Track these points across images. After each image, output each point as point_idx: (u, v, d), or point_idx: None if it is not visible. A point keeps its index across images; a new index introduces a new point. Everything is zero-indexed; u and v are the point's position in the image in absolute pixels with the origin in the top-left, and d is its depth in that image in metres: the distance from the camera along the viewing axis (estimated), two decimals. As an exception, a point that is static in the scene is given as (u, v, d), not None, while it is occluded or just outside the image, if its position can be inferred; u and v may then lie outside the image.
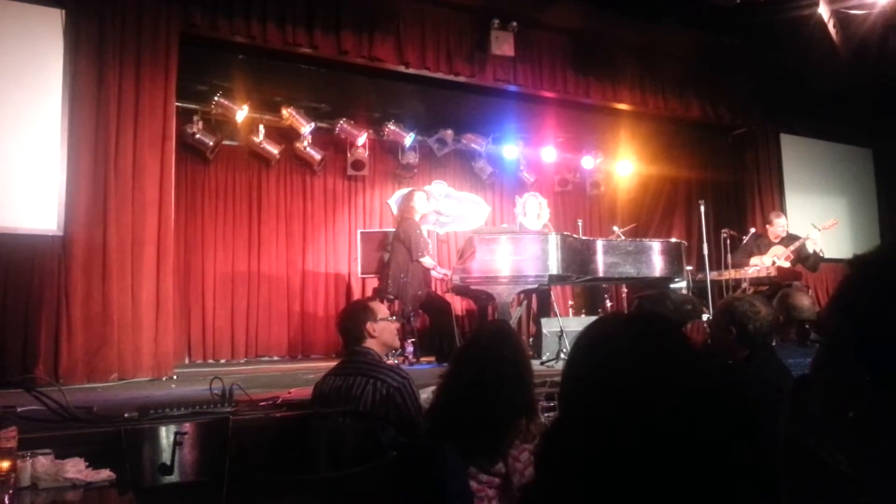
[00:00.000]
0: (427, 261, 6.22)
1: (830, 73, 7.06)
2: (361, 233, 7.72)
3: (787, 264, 6.75)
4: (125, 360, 5.12)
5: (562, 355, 5.77)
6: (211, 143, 7.60)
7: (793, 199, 8.85)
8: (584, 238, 6.26)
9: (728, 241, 7.02)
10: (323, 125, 8.23)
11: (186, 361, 7.36)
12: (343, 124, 8.22)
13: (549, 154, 9.42)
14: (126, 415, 3.06)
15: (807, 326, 3.14)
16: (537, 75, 7.29)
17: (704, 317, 5.83)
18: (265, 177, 8.19)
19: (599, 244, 6.11)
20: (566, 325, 6.07)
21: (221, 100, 7.40)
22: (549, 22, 7.27)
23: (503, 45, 6.73)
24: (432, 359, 6.41)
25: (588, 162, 9.71)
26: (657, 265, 6.19)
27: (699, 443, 0.92)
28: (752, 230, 7.41)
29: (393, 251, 6.29)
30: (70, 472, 2.27)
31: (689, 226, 9.26)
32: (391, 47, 6.51)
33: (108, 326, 5.05)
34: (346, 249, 8.45)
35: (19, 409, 3.07)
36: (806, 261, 6.86)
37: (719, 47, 8.00)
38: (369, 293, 7.68)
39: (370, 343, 3.03)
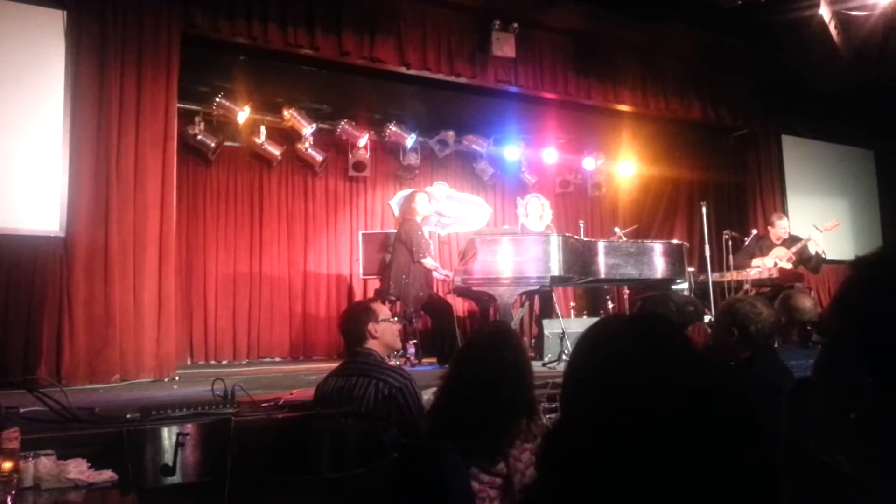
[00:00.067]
0: (429, 262, 6.22)
1: (831, 73, 7.05)
2: (363, 234, 7.73)
3: (788, 266, 6.74)
4: (127, 361, 5.12)
5: (563, 357, 5.77)
6: (212, 145, 7.61)
7: (794, 201, 8.85)
8: (585, 239, 6.26)
9: (730, 243, 7.02)
10: (324, 126, 8.23)
11: (188, 362, 7.36)
12: (344, 125, 8.22)
13: (551, 155, 9.43)
14: (128, 416, 3.07)
15: (808, 328, 3.14)
16: (538, 76, 7.29)
17: (706, 318, 5.83)
18: (267, 178, 8.20)
19: (601, 245, 6.11)
20: (568, 327, 6.07)
21: (223, 101, 7.41)
22: (550, 23, 7.27)
23: (504, 47, 6.73)
24: (434, 360, 6.42)
25: (589, 163, 9.71)
26: (659, 266, 6.19)
27: (701, 444, 0.92)
28: (754, 231, 7.41)
29: (394, 252, 6.29)
30: (72, 473, 2.27)
31: (690, 227, 9.25)
32: (392, 48, 6.51)
33: (110, 327, 5.06)
34: (347, 251, 8.46)
35: (22, 410, 3.07)
36: (808, 262, 6.85)
37: (720, 48, 8.00)
38: (371, 294, 7.68)
39: (372, 344, 3.03)
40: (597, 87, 7.64)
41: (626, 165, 9.88)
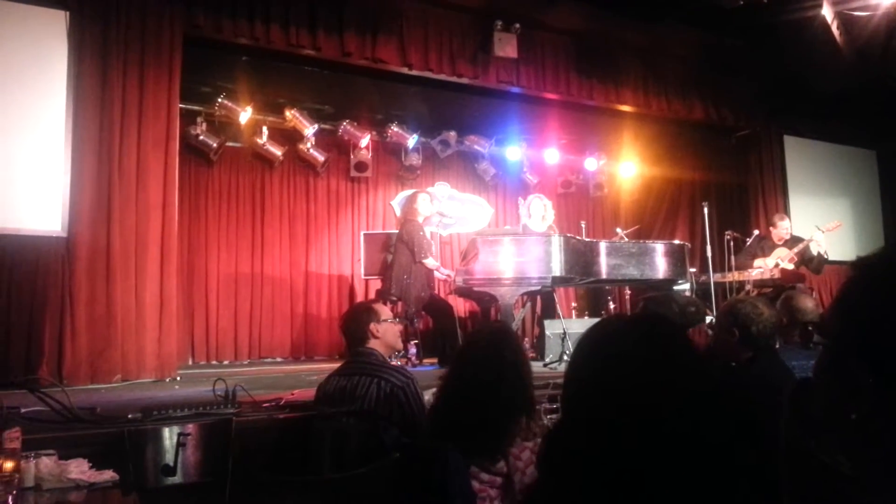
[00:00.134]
0: (430, 262, 6.22)
1: (834, 74, 7.05)
2: (365, 234, 7.73)
3: (790, 266, 6.74)
4: (129, 361, 5.12)
5: (565, 357, 5.76)
6: (214, 145, 7.61)
7: (796, 201, 8.84)
8: (587, 240, 6.25)
9: (731, 243, 7.01)
10: (326, 127, 8.24)
11: (190, 363, 7.37)
12: (346, 126, 8.22)
13: (553, 156, 9.42)
14: (129, 416, 3.07)
15: (810, 328, 3.14)
16: (540, 77, 7.30)
17: (708, 318, 5.83)
18: (268, 178, 8.20)
19: (603, 246, 6.10)
20: (569, 327, 6.07)
21: (225, 101, 7.41)
22: (551, 23, 7.27)
23: (506, 47, 6.73)
24: (435, 360, 6.41)
25: (591, 164, 9.70)
26: (660, 267, 6.18)
27: (702, 445, 0.92)
28: (756, 232, 7.40)
29: (396, 253, 6.29)
30: (73, 473, 2.27)
31: (692, 228, 9.24)
32: (394, 49, 6.52)
33: (111, 327, 5.06)
34: (349, 251, 8.46)
35: (23, 410, 3.08)
36: (809, 263, 6.84)
37: (722, 48, 8.00)
38: (372, 295, 7.68)
39: (374, 344, 3.04)
40: (599, 88, 7.63)
41: (627, 166, 9.87)
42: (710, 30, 7.73)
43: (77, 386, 4.68)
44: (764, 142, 8.91)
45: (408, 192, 8.23)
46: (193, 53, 5.85)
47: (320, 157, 8.22)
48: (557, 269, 5.55)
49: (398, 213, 8.39)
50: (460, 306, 7.90)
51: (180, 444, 2.85)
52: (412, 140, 8.54)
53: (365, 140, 8.33)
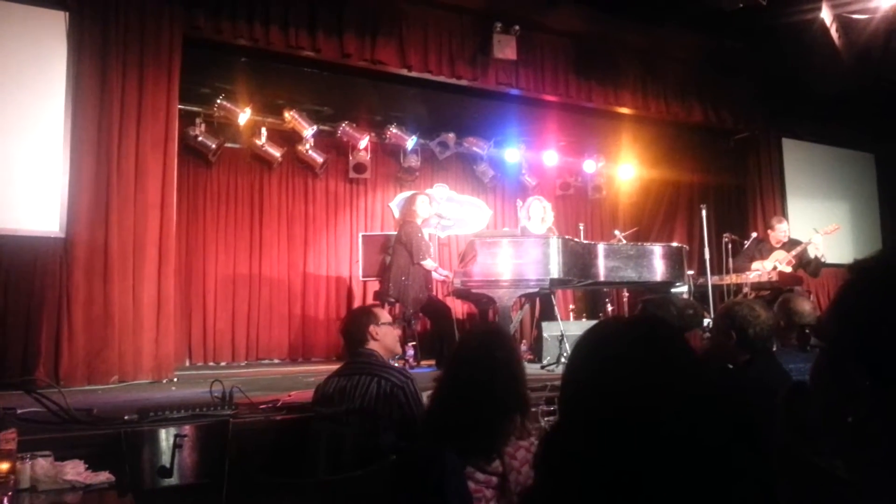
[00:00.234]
0: (428, 263, 6.22)
1: (832, 77, 7.05)
2: (363, 236, 7.72)
3: (788, 269, 6.74)
4: (126, 362, 5.12)
5: (562, 359, 5.76)
6: (213, 146, 7.61)
7: (794, 204, 8.85)
8: (585, 242, 6.26)
9: (729, 246, 7.02)
10: (325, 128, 8.24)
11: (187, 364, 7.36)
12: (345, 127, 8.22)
13: (551, 158, 9.43)
14: (126, 417, 3.07)
15: (807, 331, 3.14)
16: (539, 79, 7.30)
17: (706, 321, 5.82)
18: (267, 179, 8.20)
19: (601, 248, 6.10)
20: (567, 329, 6.06)
21: (224, 102, 7.41)
22: (551, 25, 7.28)
23: (505, 49, 6.73)
24: (433, 362, 6.41)
25: (590, 166, 9.71)
26: (658, 269, 6.18)
27: (699, 447, 0.92)
28: (754, 235, 7.40)
29: (394, 254, 6.29)
30: (69, 475, 2.27)
31: (690, 230, 9.25)
32: (393, 50, 6.52)
33: (108, 328, 5.06)
34: (347, 252, 8.46)
35: (19, 411, 3.08)
36: (807, 266, 6.84)
37: (721, 51, 8.01)
38: (370, 296, 7.67)
39: (373, 346, 3.06)
40: (598, 90, 7.64)
41: (626, 168, 9.88)
42: (709, 32, 7.74)
43: (74, 387, 4.67)
44: (762, 144, 8.92)
45: (406, 193, 8.23)
46: (193, 54, 5.84)
47: (319, 159, 8.22)
48: (555, 271, 5.55)
49: (397, 214, 8.39)
50: (458, 308, 7.90)
51: (177, 446, 2.85)
52: (411, 141, 8.55)
53: (364, 141, 8.33)
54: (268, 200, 8.17)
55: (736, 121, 8.66)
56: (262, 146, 7.88)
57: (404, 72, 6.68)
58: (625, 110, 8.00)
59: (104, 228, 5.15)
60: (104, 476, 2.35)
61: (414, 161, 8.73)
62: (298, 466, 2.85)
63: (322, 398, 2.96)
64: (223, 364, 7.55)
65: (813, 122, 9.00)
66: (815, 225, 7.02)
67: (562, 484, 1.00)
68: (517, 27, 6.79)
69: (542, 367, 5.77)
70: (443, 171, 9.20)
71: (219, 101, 7.39)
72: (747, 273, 6.80)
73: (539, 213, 6.79)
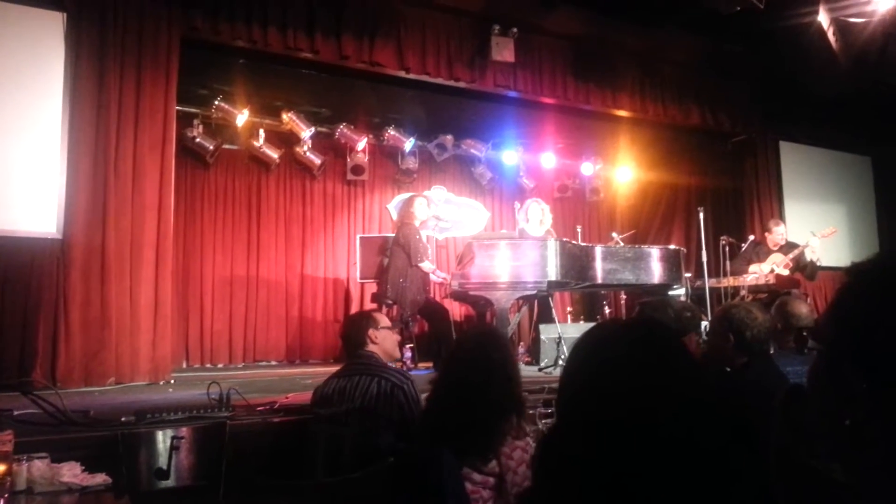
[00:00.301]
0: (426, 265, 6.21)
1: (830, 80, 7.07)
2: (361, 238, 7.71)
3: (785, 272, 6.74)
4: (123, 364, 5.11)
5: (560, 361, 5.76)
6: (211, 147, 7.61)
7: (791, 207, 8.87)
8: (582, 244, 6.26)
9: (727, 249, 7.02)
10: (323, 130, 8.24)
11: (184, 365, 7.35)
12: (343, 129, 8.23)
13: (549, 160, 9.44)
14: (123, 419, 3.06)
15: (805, 334, 3.14)
16: (537, 81, 7.31)
17: (703, 324, 5.82)
18: (265, 181, 8.19)
19: (598, 250, 6.10)
20: (564, 332, 6.06)
21: (222, 104, 7.41)
22: (549, 28, 7.29)
23: (503, 51, 6.74)
24: (430, 364, 6.40)
25: (587, 168, 9.72)
26: (656, 272, 6.19)
27: (697, 450, 0.92)
28: (751, 237, 7.41)
29: (392, 256, 6.29)
30: (66, 476, 2.26)
31: (687, 232, 9.26)
32: (392, 52, 6.52)
33: (106, 330, 5.05)
34: (345, 254, 8.45)
35: (16, 413, 3.07)
36: (804, 269, 6.85)
37: (719, 54, 8.03)
38: (368, 298, 7.68)
39: (372, 349, 3.07)
40: (595, 93, 7.65)
41: (624, 170, 9.90)
42: (707, 35, 7.75)
43: (70, 388, 4.66)
44: (760, 147, 8.93)
45: (404, 195, 8.22)
46: (191, 56, 5.84)
47: (317, 160, 8.22)
48: (553, 273, 5.55)
49: (395, 216, 8.39)
50: (456, 310, 7.90)
51: (174, 448, 2.84)
52: (409, 143, 8.55)
53: (362, 143, 8.34)
54: (265, 202, 8.16)
55: (733, 123, 8.68)
56: (260, 148, 7.88)
57: (402, 74, 6.69)
58: (622, 113, 8.01)
59: (101, 230, 5.14)
60: (101, 478, 2.34)
61: (412, 163, 8.73)
62: (296, 468, 2.85)
63: (321, 399, 2.96)
64: (220, 366, 7.54)
65: (810, 125, 9.02)
66: (812, 228, 7.03)
67: (559, 486, 1.00)
68: (515, 29, 6.80)
69: (540, 370, 5.77)
70: (441, 173, 9.20)
71: (217, 102, 7.39)
72: (744, 276, 6.81)
73: (537, 216, 6.78)
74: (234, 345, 7.75)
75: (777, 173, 8.97)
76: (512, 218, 7.45)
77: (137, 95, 5.42)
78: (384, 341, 3.11)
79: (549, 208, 7.01)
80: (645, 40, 7.67)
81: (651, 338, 1.03)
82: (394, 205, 8.75)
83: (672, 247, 6.66)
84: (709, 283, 6.85)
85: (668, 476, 0.90)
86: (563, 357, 5.76)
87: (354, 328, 3.13)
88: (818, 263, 6.78)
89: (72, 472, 2.29)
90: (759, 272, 6.76)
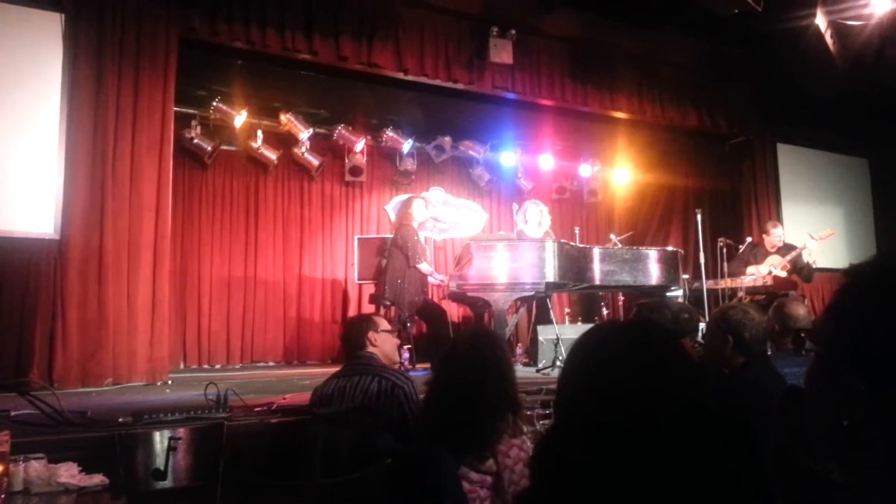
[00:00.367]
0: (424, 267, 6.22)
1: (827, 82, 7.09)
2: (359, 239, 7.71)
3: (783, 274, 6.75)
4: (120, 365, 5.10)
5: (558, 363, 5.76)
6: (209, 148, 7.60)
7: (789, 209, 8.88)
8: (580, 246, 6.27)
9: (724, 250, 7.03)
10: (321, 131, 8.24)
11: (181, 366, 7.33)
12: (341, 130, 8.23)
13: (547, 162, 9.45)
14: (120, 419, 3.06)
15: (802, 335, 3.14)
16: (535, 83, 7.31)
17: (701, 325, 5.82)
18: (263, 182, 8.19)
19: (596, 252, 6.11)
20: (562, 333, 6.06)
21: (220, 105, 7.40)
22: (547, 30, 7.30)
23: (502, 53, 6.75)
24: (428, 365, 6.39)
25: (585, 170, 9.73)
26: (654, 273, 6.19)
27: (696, 451, 0.92)
28: (749, 239, 7.42)
29: (390, 257, 6.29)
30: (63, 477, 2.26)
31: (685, 234, 9.27)
32: (390, 54, 6.52)
33: (103, 330, 5.04)
34: (343, 255, 8.45)
35: (13, 413, 3.07)
36: (801, 271, 6.86)
37: (717, 56, 8.04)
38: (366, 299, 7.68)
39: (372, 350, 3.08)
40: (593, 94, 7.66)
41: (621, 172, 9.91)
42: (705, 38, 7.77)
43: (67, 389, 4.66)
44: (757, 149, 8.95)
45: (402, 196, 8.22)
46: (189, 56, 5.84)
47: (315, 162, 8.21)
48: (551, 274, 5.55)
49: (393, 217, 8.39)
50: (454, 311, 7.90)
51: (171, 448, 2.84)
52: (407, 145, 8.55)
53: (360, 144, 8.33)
54: (263, 203, 8.16)
55: (731, 125, 8.69)
56: (258, 149, 7.87)
57: (401, 75, 6.69)
58: (620, 115, 8.02)
59: (99, 230, 5.13)
60: (98, 478, 2.34)
61: (410, 164, 8.74)
62: (294, 469, 2.85)
63: (321, 399, 2.97)
64: (218, 367, 7.53)
65: (808, 127, 9.03)
66: (810, 230, 7.04)
67: (558, 487, 1.00)
68: (513, 31, 6.81)
69: (538, 371, 5.77)
70: (439, 175, 9.21)
71: (215, 103, 7.38)
72: (742, 277, 6.82)
73: (536, 217, 6.79)
74: (231, 346, 7.74)
75: (774, 175, 8.99)
76: (510, 219, 7.46)
77: (135, 96, 5.41)
78: (384, 344, 3.13)
79: (548, 210, 7.02)
80: (643, 42, 7.68)
81: (648, 339, 1.03)
82: (392, 206, 8.75)
83: (670, 248, 6.67)
84: (706, 284, 6.86)
85: (667, 477, 0.90)
86: (560, 358, 5.76)
87: (354, 330, 3.15)
88: (814, 265, 6.79)
89: (69, 473, 2.29)
90: (757, 274, 6.77)
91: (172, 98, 5.65)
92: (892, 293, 0.86)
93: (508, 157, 9.22)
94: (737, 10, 6.21)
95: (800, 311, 3.32)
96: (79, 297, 4.99)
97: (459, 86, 7.00)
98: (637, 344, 1.02)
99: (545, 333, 6.22)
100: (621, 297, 8.16)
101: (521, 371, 5.77)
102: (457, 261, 6.42)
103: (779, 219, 8.30)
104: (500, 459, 2.16)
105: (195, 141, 7.47)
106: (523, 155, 9.35)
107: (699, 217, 7.02)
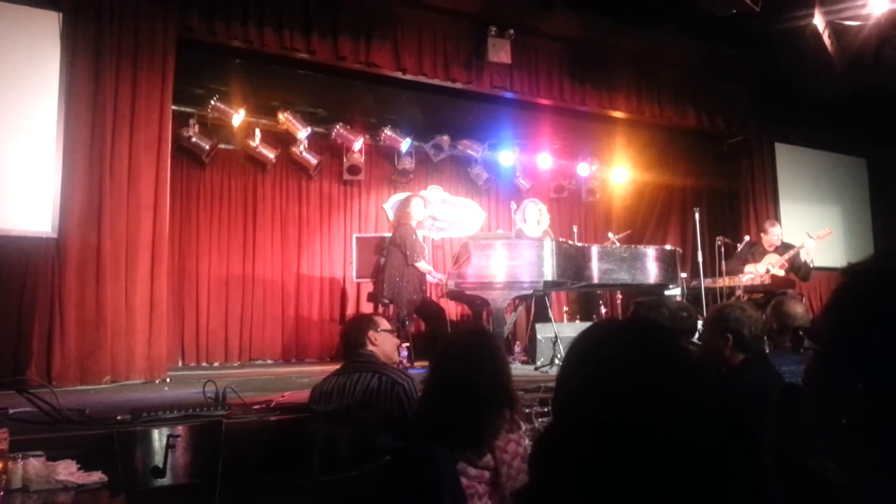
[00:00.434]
0: (423, 265, 6.22)
1: (825, 82, 7.10)
2: (357, 237, 7.71)
3: (781, 273, 6.77)
4: (118, 363, 5.09)
5: (556, 361, 5.77)
6: (207, 147, 7.59)
7: (787, 208, 8.89)
8: (579, 244, 6.27)
9: (722, 249, 7.04)
10: (319, 130, 8.23)
11: (180, 364, 7.33)
12: (339, 129, 8.22)
13: (545, 161, 9.45)
14: (119, 417, 3.06)
15: (801, 334, 3.15)
16: (534, 82, 7.32)
17: (700, 324, 5.83)
18: (261, 181, 8.18)
19: (594, 251, 6.11)
20: (560, 331, 6.07)
21: (218, 104, 7.39)
22: (545, 29, 7.30)
23: (500, 53, 6.75)
24: (426, 363, 6.40)
25: (584, 169, 9.74)
26: (652, 272, 6.20)
27: (693, 449, 0.92)
28: (747, 238, 7.44)
29: (389, 256, 6.29)
30: (61, 475, 2.26)
31: (683, 233, 9.29)
32: (388, 53, 6.52)
33: (101, 329, 5.03)
34: (341, 254, 8.45)
35: (11, 411, 3.07)
36: (798, 270, 6.87)
37: (715, 56, 8.05)
38: (364, 297, 7.68)
39: (371, 349, 3.09)
40: (592, 94, 7.66)
41: (620, 171, 9.92)
42: (703, 38, 7.77)
43: (66, 387, 4.65)
44: (755, 149, 8.96)
45: (401, 195, 8.23)
46: (187, 55, 5.83)
47: (313, 160, 8.21)
48: (549, 273, 5.55)
49: (391, 216, 8.38)
50: (452, 310, 7.90)
51: (170, 446, 2.84)
52: (405, 144, 8.55)
53: (358, 143, 8.33)
54: (261, 202, 8.15)
55: (729, 125, 8.70)
56: (256, 148, 7.86)
57: (399, 74, 6.69)
58: (619, 114, 8.02)
59: (97, 229, 5.12)
60: (96, 476, 2.34)
61: (408, 163, 8.73)
62: (292, 467, 2.85)
63: (320, 396, 2.97)
64: (216, 365, 7.52)
65: (806, 126, 9.05)
66: (808, 229, 7.05)
67: (556, 485, 1.00)
68: (512, 31, 6.81)
69: (536, 369, 5.77)
70: (437, 174, 9.21)
71: (213, 102, 7.37)
72: (740, 276, 6.83)
73: (535, 216, 6.79)
74: (229, 344, 7.74)
75: (773, 174, 9.00)
76: (508, 218, 7.46)
77: (133, 95, 5.40)
78: (384, 343, 3.14)
79: (547, 208, 7.02)
80: (641, 42, 7.69)
81: (646, 338, 1.04)
82: (390, 205, 8.75)
83: (668, 247, 6.68)
84: (704, 283, 6.86)
85: (665, 476, 0.90)
86: (559, 356, 5.76)
87: (354, 329, 3.17)
88: (812, 264, 6.81)
89: (67, 471, 2.29)
90: (755, 272, 6.78)
91: (170, 97, 5.64)
92: (890, 292, 0.86)
93: (507, 156, 9.22)
94: (735, 11, 6.22)
95: (798, 309, 3.32)
96: (77, 296, 4.99)
97: (458, 85, 7.00)
98: (635, 342, 1.02)
99: (543, 332, 6.22)
100: (619, 296, 8.17)
101: (520, 369, 5.77)
102: (455, 259, 6.43)
103: (777, 218, 8.30)
104: (497, 454, 2.18)
105: (193, 140, 7.46)
106: (521, 154, 9.36)
107: (697, 216, 7.02)
